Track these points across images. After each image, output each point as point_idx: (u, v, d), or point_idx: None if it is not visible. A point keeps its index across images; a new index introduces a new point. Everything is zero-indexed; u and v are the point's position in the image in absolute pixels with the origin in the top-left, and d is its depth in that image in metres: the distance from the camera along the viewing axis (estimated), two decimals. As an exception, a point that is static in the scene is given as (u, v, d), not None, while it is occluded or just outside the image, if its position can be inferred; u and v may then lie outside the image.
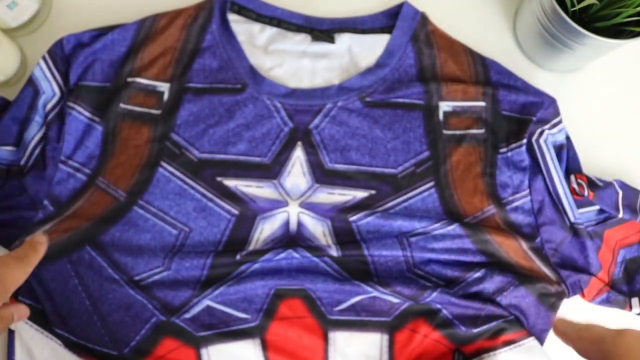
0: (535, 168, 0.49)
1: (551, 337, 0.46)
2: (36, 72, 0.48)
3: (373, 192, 0.48)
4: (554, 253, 0.48)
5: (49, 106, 0.48)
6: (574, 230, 0.48)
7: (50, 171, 0.46)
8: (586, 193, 0.47)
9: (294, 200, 0.47)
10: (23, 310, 0.41)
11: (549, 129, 0.49)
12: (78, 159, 0.47)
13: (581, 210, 0.49)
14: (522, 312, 0.46)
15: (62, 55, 0.49)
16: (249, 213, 0.47)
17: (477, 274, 0.46)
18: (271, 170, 0.48)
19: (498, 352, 0.45)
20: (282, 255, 0.45)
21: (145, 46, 0.50)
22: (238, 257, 0.45)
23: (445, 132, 0.49)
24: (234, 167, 0.48)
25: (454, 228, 0.46)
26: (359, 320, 0.45)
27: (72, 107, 0.47)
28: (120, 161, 0.47)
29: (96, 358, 0.44)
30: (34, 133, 0.48)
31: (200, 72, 0.49)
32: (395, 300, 0.45)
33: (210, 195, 0.47)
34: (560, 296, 0.47)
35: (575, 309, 0.49)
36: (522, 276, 0.46)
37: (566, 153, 0.50)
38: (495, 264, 0.47)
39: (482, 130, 0.50)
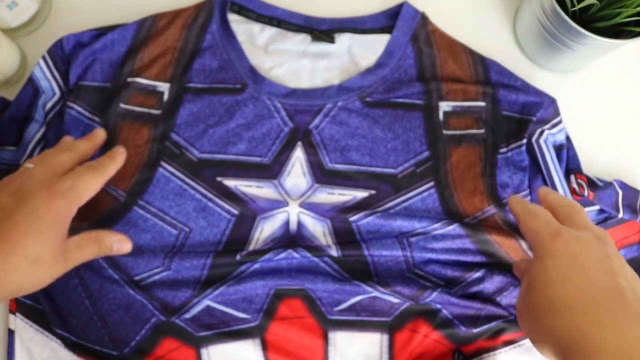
0: (535, 168, 0.49)
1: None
2: (36, 72, 0.48)
3: (373, 192, 0.48)
4: None
5: (49, 106, 0.48)
6: None
7: None
8: (586, 193, 0.47)
9: (294, 200, 0.47)
10: (125, 245, 0.42)
11: (549, 129, 0.49)
12: None
13: None
14: None
15: (62, 55, 0.49)
16: (249, 213, 0.47)
17: (477, 274, 0.46)
18: (271, 170, 0.48)
19: (498, 352, 0.45)
20: (282, 255, 0.45)
21: (145, 46, 0.50)
22: (238, 257, 0.45)
23: (445, 132, 0.49)
24: (234, 167, 0.48)
25: (454, 228, 0.46)
26: (359, 320, 0.45)
27: (72, 106, 0.47)
28: None
29: (96, 358, 0.43)
30: (34, 133, 0.48)
31: (200, 72, 0.49)
32: (395, 300, 0.45)
33: (210, 196, 0.47)
34: None
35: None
36: None
37: (566, 153, 0.50)
38: (495, 264, 0.47)
39: (482, 131, 0.50)
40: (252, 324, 0.45)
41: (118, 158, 0.43)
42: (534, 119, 0.49)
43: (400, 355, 0.45)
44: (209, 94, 0.49)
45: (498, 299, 0.46)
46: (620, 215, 0.48)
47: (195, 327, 0.44)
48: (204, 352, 0.44)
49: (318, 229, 0.47)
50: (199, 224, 0.46)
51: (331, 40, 0.52)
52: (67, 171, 0.40)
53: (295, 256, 0.45)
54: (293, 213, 0.47)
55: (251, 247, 0.46)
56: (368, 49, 0.52)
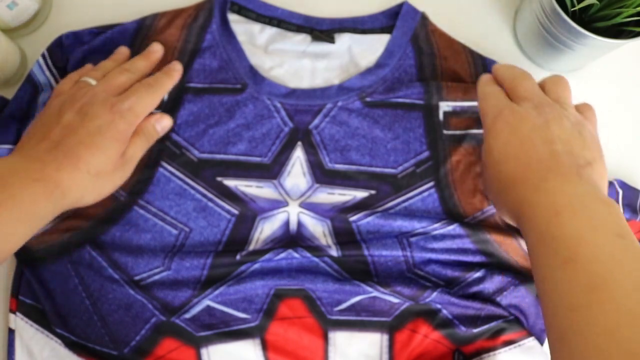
0: None
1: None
2: (35, 70, 0.48)
3: (373, 192, 0.48)
4: None
5: None
6: None
7: None
8: None
9: (294, 200, 0.47)
10: (165, 121, 0.46)
11: None
12: None
13: None
14: (522, 312, 0.46)
15: (61, 52, 0.49)
16: (249, 213, 0.47)
17: (477, 274, 0.46)
18: (271, 170, 0.48)
19: (498, 352, 0.45)
20: (282, 255, 0.45)
21: (145, 46, 0.50)
22: (238, 257, 0.45)
23: (445, 132, 0.49)
24: (234, 167, 0.48)
25: (453, 228, 0.46)
26: (359, 320, 0.45)
27: None
28: None
29: (96, 358, 0.44)
30: None
31: (200, 72, 0.49)
32: (395, 300, 0.45)
33: (210, 196, 0.47)
34: None
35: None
36: (522, 276, 0.46)
37: None
38: (495, 264, 0.47)
39: (482, 131, 0.49)
40: (252, 324, 0.45)
41: (174, 74, 0.47)
42: None
43: (400, 355, 0.45)
44: (209, 94, 0.49)
45: (498, 299, 0.46)
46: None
47: (195, 327, 0.44)
48: (204, 352, 0.44)
49: (318, 229, 0.47)
50: (199, 224, 0.46)
51: (331, 40, 0.52)
52: (126, 90, 0.44)
53: (295, 256, 0.45)
54: (293, 213, 0.47)
55: (251, 247, 0.46)
56: (368, 49, 0.52)
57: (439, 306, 0.45)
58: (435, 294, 0.45)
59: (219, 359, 0.44)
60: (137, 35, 0.50)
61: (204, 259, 0.45)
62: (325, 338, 0.45)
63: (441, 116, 0.50)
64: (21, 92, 0.48)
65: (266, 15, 0.52)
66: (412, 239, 0.46)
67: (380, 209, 0.47)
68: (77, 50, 0.48)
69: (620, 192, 0.49)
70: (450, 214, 0.47)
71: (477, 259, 0.46)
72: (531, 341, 0.45)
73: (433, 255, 0.46)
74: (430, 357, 0.45)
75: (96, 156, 0.40)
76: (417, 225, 0.47)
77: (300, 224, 0.47)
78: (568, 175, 0.35)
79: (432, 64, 0.51)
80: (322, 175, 0.48)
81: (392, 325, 0.45)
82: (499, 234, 0.46)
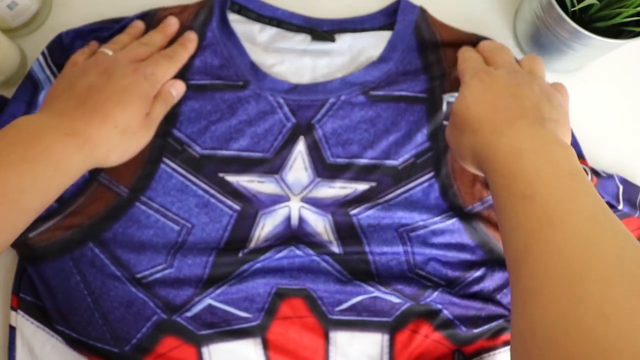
0: None
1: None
2: (35, 67, 0.48)
3: (374, 184, 0.48)
4: None
5: None
6: None
7: None
8: (589, 178, 0.48)
9: (296, 195, 0.47)
10: (179, 84, 0.47)
11: None
12: None
13: None
14: None
15: (61, 50, 0.49)
16: (251, 209, 0.47)
17: (478, 273, 0.46)
18: (273, 165, 0.48)
19: (498, 352, 0.46)
20: (284, 252, 0.45)
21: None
22: (240, 254, 0.45)
23: (445, 123, 0.49)
24: (236, 163, 0.48)
25: (453, 223, 0.47)
26: (360, 320, 0.45)
27: None
28: None
29: (97, 355, 0.43)
30: None
31: (202, 69, 0.49)
32: (396, 301, 0.45)
33: (212, 192, 0.47)
34: None
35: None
36: None
37: None
38: (495, 259, 0.47)
39: None
40: (254, 323, 0.45)
41: (190, 45, 0.48)
42: None
43: (400, 355, 0.45)
44: (210, 91, 0.49)
45: (498, 296, 0.46)
46: (621, 207, 0.49)
47: (196, 326, 0.44)
48: (205, 350, 0.44)
49: (319, 224, 0.47)
50: (201, 219, 0.46)
51: (332, 39, 0.52)
52: (145, 59, 0.46)
53: (297, 253, 0.45)
54: (294, 208, 0.47)
55: (253, 243, 0.46)
56: (370, 45, 0.52)
57: (439, 306, 0.45)
58: (436, 293, 0.45)
59: (220, 357, 0.44)
60: None
61: (207, 257, 0.45)
62: (326, 338, 0.45)
63: (444, 108, 0.50)
64: (21, 90, 0.48)
65: (266, 16, 0.53)
66: (412, 234, 0.46)
67: (380, 200, 0.47)
68: (78, 48, 0.48)
69: (621, 187, 0.49)
70: (450, 204, 0.48)
71: (477, 253, 0.46)
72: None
73: (433, 251, 0.46)
74: (430, 358, 0.45)
75: (124, 113, 0.41)
76: (417, 218, 0.47)
77: (301, 219, 0.47)
78: (533, 123, 0.38)
79: (436, 52, 0.51)
80: (323, 169, 0.48)
81: (393, 326, 0.45)
82: (497, 230, 0.46)
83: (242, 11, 0.52)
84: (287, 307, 0.45)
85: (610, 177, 0.49)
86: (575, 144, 0.50)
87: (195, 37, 0.49)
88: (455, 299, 0.45)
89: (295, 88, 0.50)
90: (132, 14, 0.51)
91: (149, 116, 0.44)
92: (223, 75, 0.49)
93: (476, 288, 0.46)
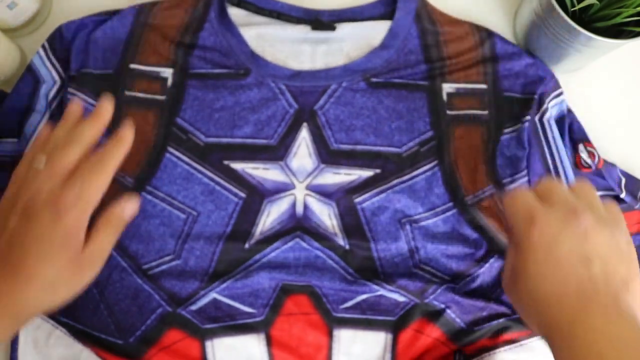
0: (534, 149, 0.49)
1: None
2: (35, 61, 0.48)
3: (378, 171, 0.48)
4: None
5: (52, 95, 0.48)
6: None
7: None
8: (597, 160, 0.48)
9: (301, 182, 0.47)
10: (129, 205, 0.40)
11: (550, 101, 0.50)
12: None
13: None
14: None
15: (61, 42, 0.49)
16: (257, 196, 0.47)
17: (482, 269, 0.46)
18: (277, 152, 0.48)
19: (499, 351, 0.45)
20: (290, 244, 0.45)
21: (147, 32, 0.50)
22: (247, 245, 0.45)
23: (448, 112, 0.50)
24: (241, 150, 0.48)
25: (453, 214, 0.47)
26: (364, 318, 0.45)
27: (75, 94, 0.47)
28: None
29: (101, 346, 0.43)
30: (36, 124, 0.47)
31: (202, 58, 0.50)
32: (401, 299, 0.45)
33: (217, 179, 0.47)
34: None
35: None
36: None
37: (571, 124, 0.51)
38: (497, 250, 0.47)
39: (485, 112, 0.50)
40: (258, 318, 0.45)
41: (124, 141, 0.40)
42: (535, 96, 0.50)
43: (402, 354, 0.45)
44: (213, 79, 0.49)
45: (499, 291, 0.46)
46: (623, 194, 0.49)
47: (201, 319, 0.44)
48: (208, 344, 0.44)
49: (324, 211, 0.47)
50: (206, 207, 0.46)
51: (332, 28, 0.52)
52: (74, 169, 0.38)
53: (303, 246, 0.45)
54: (299, 195, 0.47)
55: (258, 230, 0.46)
56: (371, 33, 0.52)
57: (442, 306, 0.45)
58: (440, 290, 0.45)
59: (224, 352, 0.44)
60: (136, 21, 0.50)
61: (214, 246, 0.45)
62: (330, 335, 0.45)
63: (445, 97, 0.50)
64: (21, 84, 0.48)
65: (266, 8, 0.53)
66: (415, 226, 0.46)
67: (384, 187, 0.47)
68: (78, 41, 0.48)
69: (623, 179, 0.50)
70: (453, 193, 0.48)
71: (479, 245, 0.46)
72: (534, 341, 0.45)
73: (436, 244, 0.46)
74: (431, 357, 0.45)
75: (47, 266, 0.36)
76: (420, 209, 0.47)
77: (306, 207, 0.47)
78: (608, 309, 0.35)
79: (437, 40, 0.52)
80: (327, 156, 0.48)
81: (397, 325, 0.45)
82: (498, 219, 0.47)
83: (242, 4, 0.53)
84: (292, 303, 0.45)
85: (614, 165, 0.50)
86: (579, 127, 0.51)
87: (130, 130, 0.40)
88: (458, 297, 0.45)
89: (298, 74, 0.50)
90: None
91: (88, 251, 0.37)
92: (223, 65, 0.50)
93: (479, 281, 0.46)
